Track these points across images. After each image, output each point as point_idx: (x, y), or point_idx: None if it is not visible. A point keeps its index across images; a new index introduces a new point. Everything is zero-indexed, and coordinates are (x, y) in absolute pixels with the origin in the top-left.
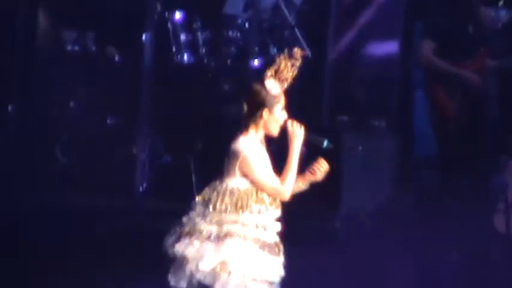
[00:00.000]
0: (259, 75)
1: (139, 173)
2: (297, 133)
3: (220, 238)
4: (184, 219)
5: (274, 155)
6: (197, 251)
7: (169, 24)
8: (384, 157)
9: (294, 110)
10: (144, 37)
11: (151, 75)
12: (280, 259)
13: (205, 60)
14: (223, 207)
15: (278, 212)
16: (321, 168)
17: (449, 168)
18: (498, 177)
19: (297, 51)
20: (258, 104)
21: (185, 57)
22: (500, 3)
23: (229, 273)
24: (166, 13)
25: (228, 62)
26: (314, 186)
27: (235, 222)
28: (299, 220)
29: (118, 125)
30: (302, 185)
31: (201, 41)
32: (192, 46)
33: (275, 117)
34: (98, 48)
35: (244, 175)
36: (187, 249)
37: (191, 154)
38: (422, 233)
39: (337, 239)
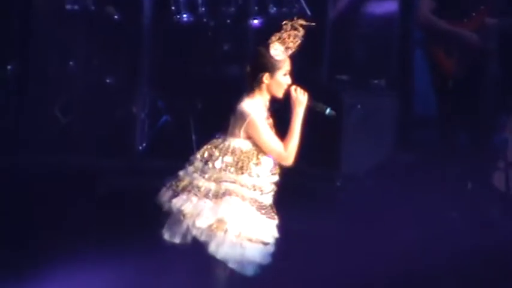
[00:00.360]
0: (259, 35)
1: (139, 133)
2: (301, 99)
3: (218, 196)
4: (181, 173)
5: (278, 115)
6: (195, 207)
7: None
8: (384, 116)
9: (294, 69)
10: None
11: (150, 35)
12: (275, 222)
13: (205, 20)
14: (224, 165)
15: (276, 177)
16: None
17: (449, 127)
18: (498, 135)
19: (300, 22)
20: (259, 67)
21: (184, 16)
22: None
23: (226, 231)
24: None
25: (228, 21)
26: (314, 146)
27: (234, 181)
28: (299, 180)
29: (118, 84)
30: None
31: (200, 0)
32: (191, 5)
33: (277, 82)
34: (98, 8)
35: (249, 137)
36: (184, 204)
37: (191, 113)
38: (422, 192)
39: (338, 199)
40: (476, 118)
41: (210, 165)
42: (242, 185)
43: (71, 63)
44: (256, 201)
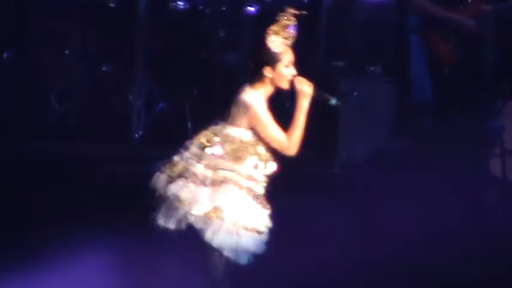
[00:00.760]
0: (254, 23)
1: (135, 120)
2: (305, 90)
3: (216, 183)
4: (176, 158)
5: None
6: (192, 194)
7: None
8: (381, 102)
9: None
10: None
11: (146, 22)
12: (268, 212)
13: (200, 7)
14: (222, 153)
15: (272, 169)
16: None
17: (446, 113)
18: (494, 121)
19: (293, 11)
20: (260, 61)
21: (180, 4)
22: None
23: (222, 219)
24: None
25: (223, 8)
26: (312, 133)
27: (232, 170)
28: (297, 166)
29: (114, 72)
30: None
31: None
32: None
33: (280, 74)
34: None
35: (252, 127)
36: (181, 190)
37: (187, 101)
38: (419, 178)
39: (335, 185)
40: (473, 104)
41: (208, 151)
42: (239, 174)
43: (67, 51)
44: (252, 190)
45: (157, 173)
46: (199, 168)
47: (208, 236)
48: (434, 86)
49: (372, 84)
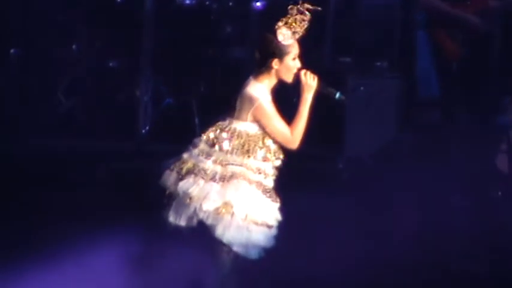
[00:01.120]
0: (261, 18)
1: (142, 116)
2: (310, 84)
3: (225, 179)
4: (185, 155)
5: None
6: (201, 190)
7: None
8: (387, 98)
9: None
10: None
11: (153, 18)
12: (278, 205)
13: (207, 3)
14: (230, 148)
15: (279, 162)
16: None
17: (452, 109)
18: (501, 117)
19: (307, 6)
20: (268, 53)
21: None
22: None
23: (232, 214)
24: None
25: (230, 4)
26: (318, 128)
27: (240, 164)
28: (303, 162)
29: (120, 68)
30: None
31: None
32: None
33: (286, 66)
34: None
35: (256, 121)
36: (191, 187)
37: (193, 96)
38: (425, 174)
39: (341, 180)
40: (480, 100)
41: (216, 147)
42: (248, 168)
43: (73, 46)
44: (261, 184)
45: (167, 171)
46: (208, 165)
47: (219, 231)
48: (441, 81)
49: (378, 80)
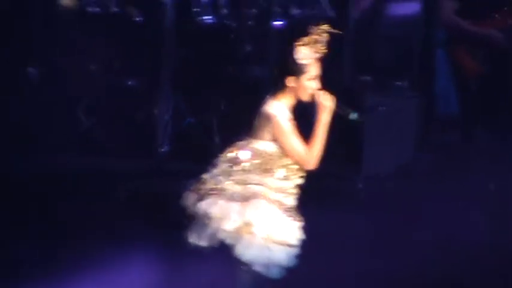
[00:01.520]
0: (281, 37)
1: (161, 135)
2: (326, 104)
3: (245, 198)
4: (206, 176)
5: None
6: (221, 210)
7: None
8: (406, 117)
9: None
10: None
11: (172, 36)
12: (299, 224)
13: (227, 22)
14: (250, 167)
15: (301, 180)
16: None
17: (472, 128)
18: None
19: (326, 27)
20: (285, 71)
21: (207, 18)
22: None
23: (253, 234)
24: None
25: (250, 23)
26: (337, 147)
27: (260, 184)
28: (322, 180)
29: (140, 86)
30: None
31: (222, 2)
32: (213, 7)
33: (303, 86)
34: (119, 9)
35: (274, 139)
36: (211, 207)
37: (214, 115)
38: (444, 193)
39: (359, 200)
40: (499, 119)
41: (236, 167)
42: (268, 188)
43: (93, 65)
44: (281, 203)
45: (187, 192)
46: (228, 184)
47: (239, 251)
48: (461, 100)
49: (398, 99)
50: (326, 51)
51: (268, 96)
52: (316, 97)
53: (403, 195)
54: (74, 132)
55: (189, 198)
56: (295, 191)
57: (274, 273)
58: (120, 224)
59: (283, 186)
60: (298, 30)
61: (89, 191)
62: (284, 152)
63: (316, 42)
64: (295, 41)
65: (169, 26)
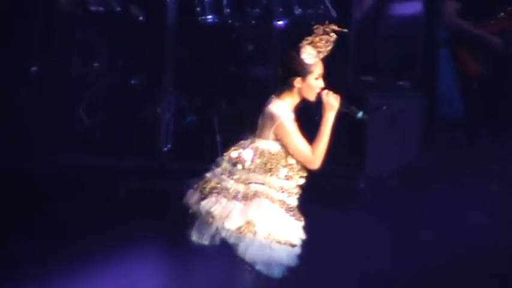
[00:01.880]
0: (283, 37)
1: (163, 134)
2: (332, 103)
3: (248, 198)
4: (208, 175)
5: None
6: (224, 209)
7: None
8: (409, 117)
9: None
10: None
11: (175, 36)
12: (302, 223)
13: (229, 21)
14: (253, 166)
15: (303, 180)
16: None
17: (475, 128)
18: None
19: (332, 27)
20: (291, 71)
21: (209, 17)
22: None
23: (255, 233)
24: None
25: (252, 22)
26: (339, 147)
27: (263, 183)
28: (324, 180)
29: (142, 85)
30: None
31: (225, 2)
32: (216, 7)
33: (309, 85)
34: (122, 9)
35: (278, 139)
36: (213, 206)
37: (215, 114)
38: (447, 193)
39: (362, 200)
40: (502, 119)
41: (239, 166)
42: (270, 187)
43: (95, 64)
44: (284, 203)
45: (190, 190)
46: (230, 183)
47: (241, 250)
48: (463, 100)
49: (401, 99)
50: (331, 50)
51: (272, 96)
52: (323, 97)
53: (406, 195)
54: (75, 131)
55: (192, 197)
56: (297, 190)
57: (276, 273)
58: (122, 223)
59: (285, 185)
60: (300, 30)
61: (91, 190)
62: (288, 152)
63: (321, 41)
64: (300, 41)
65: (171, 25)
